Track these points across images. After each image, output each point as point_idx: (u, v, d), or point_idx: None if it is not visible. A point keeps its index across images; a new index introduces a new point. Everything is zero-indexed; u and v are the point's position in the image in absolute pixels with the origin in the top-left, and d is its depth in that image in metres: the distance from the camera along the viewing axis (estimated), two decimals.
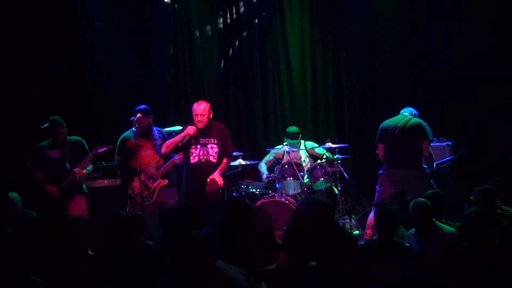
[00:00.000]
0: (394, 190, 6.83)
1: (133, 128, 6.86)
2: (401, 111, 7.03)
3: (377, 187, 6.97)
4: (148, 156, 7.02)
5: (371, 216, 6.83)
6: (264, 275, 4.36)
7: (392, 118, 6.98)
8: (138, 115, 6.86)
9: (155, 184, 7.03)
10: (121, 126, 7.37)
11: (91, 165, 7.06)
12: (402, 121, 6.85)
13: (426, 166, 6.96)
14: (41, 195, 6.91)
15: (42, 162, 6.98)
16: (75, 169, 6.87)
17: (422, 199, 5.28)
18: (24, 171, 7.02)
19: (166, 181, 7.06)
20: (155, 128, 7.15)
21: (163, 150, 6.90)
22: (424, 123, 6.81)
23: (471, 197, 5.89)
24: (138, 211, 6.38)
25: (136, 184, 6.86)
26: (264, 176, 8.03)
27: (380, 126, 7.00)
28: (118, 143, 7.12)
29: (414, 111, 7.01)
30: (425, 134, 6.78)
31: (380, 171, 6.99)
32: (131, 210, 6.74)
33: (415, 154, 6.84)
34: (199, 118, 6.82)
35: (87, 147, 7.09)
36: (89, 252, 5.74)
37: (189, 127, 6.82)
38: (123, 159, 7.05)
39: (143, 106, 6.98)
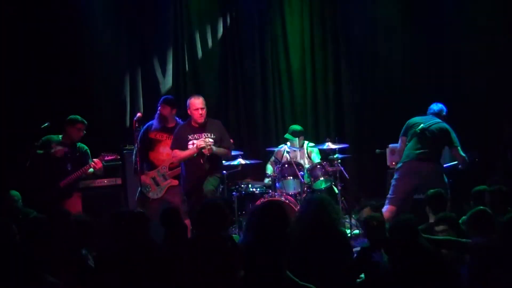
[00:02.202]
0: (411, 186, 6.86)
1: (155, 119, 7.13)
2: (430, 108, 7.07)
3: (393, 181, 6.96)
4: (164, 154, 7.13)
5: (384, 210, 6.83)
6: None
7: (421, 117, 7.03)
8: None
9: (165, 183, 7.11)
10: (121, 126, 7.40)
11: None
12: (429, 122, 6.92)
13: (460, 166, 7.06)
14: (39, 193, 6.92)
15: (44, 156, 6.96)
16: (94, 159, 6.90)
17: (481, 206, 5.13)
18: (24, 170, 7.02)
19: (176, 182, 7.15)
20: (180, 122, 7.22)
21: (172, 160, 7.00)
22: (450, 129, 6.89)
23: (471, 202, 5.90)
24: (143, 206, 6.46)
25: (145, 178, 6.98)
26: (266, 179, 8.11)
27: (408, 122, 7.04)
28: (141, 131, 7.18)
29: (444, 110, 7.07)
30: (451, 141, 6.87)
31: (398, 165, 6.99)
32: (138, 203, 6.86)
33: (438, 152, 6.95)
34: (201, 112, 6.87)
35: (90, 155, 7.11)
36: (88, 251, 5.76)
37: (199, 140, 6.83)
38: (142, 148, 7.11)
39: (168, 96, 7.29)
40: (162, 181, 7.09)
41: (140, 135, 7.15)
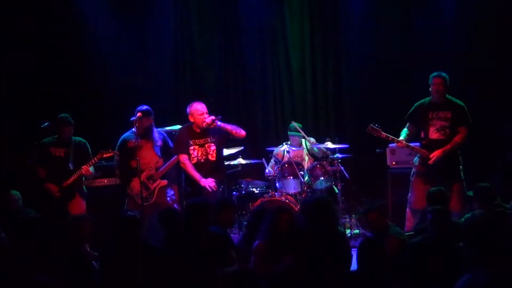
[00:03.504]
0: None
1: (133, 129, 6.90)
2: None
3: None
4: (147, 157, 7.04)
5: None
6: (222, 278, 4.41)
7: None
8: (138, 114, 6.88)
9: (154, 185, 7.05)
10: (121, 126, 7.39)
11: (92, 167, 7.07)
12: None
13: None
14: (41, 193, 6.92)
15: (44, 159, 6.99)
16: (83, 166, 6.87)
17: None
18: (24, 169, 7.02)
19: (165, 182, 7.09)
20: (155, 129, 7.16)
21: (182, 165, 6.93)
22: None
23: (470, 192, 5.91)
24: (137, 211, 6.42)
25: (135, 184, 6.88)
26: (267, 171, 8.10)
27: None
28: (118, 143, 7.14)
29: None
30: None
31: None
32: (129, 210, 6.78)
33: None
34: (206, 116, 6.84)
35: (90, 150, 7.10)
36: (90, 251, 5.77)
37: (208, 183, 6.79)
38: (123, 159, 7.06)
39: (145, 107, 6.99)
40: (151, 184, 7.05)
41: (117, 149, 7.09)
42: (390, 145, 7.95)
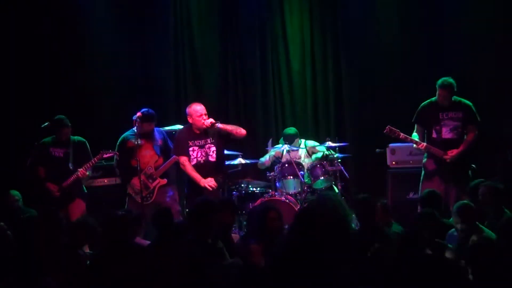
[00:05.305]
0: None
1: (134, 128, 6.90)
2: None
3: None
4: (147, 156, 7.05)
5: None
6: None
7: None
8: (138, 114, 6.89)
9: (154, 184, 7.05)
10: (121, 126, 7.41)
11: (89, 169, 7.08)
12: None
13: None
14: (41, 193, 6.92)
15: (44, 159, 7.00)
16: (79, 169, 6.88)
17: (466, 201, 5.31)
18: (24, 169, 7.03)
19: (165, 181, 7.09)
20: (155, 128, 7.18)
21: (182, 167, 6.91)
22: None
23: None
24: (137, 210, 6.42)
25: (135, 183, 6.88)
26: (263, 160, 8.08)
27: None
28: (118, 143, 7.15)
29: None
30: None
31: None
32: (129, 209, 6.78)
33: None
34: (205, 118, 6.83)
35: (89, 149, 7.11)
36: (88, 251, 5.76)
37: (208, 183, 6.76)
38: (122, 159, 7.07)
39: (148, 111, 6.98)
40: (151, 183, 7.05)
41: (117, 148, 7.11)
42: (390, 144, 7.94)
